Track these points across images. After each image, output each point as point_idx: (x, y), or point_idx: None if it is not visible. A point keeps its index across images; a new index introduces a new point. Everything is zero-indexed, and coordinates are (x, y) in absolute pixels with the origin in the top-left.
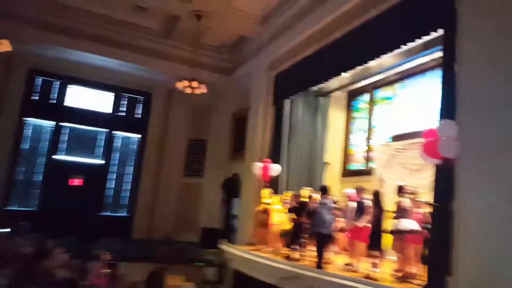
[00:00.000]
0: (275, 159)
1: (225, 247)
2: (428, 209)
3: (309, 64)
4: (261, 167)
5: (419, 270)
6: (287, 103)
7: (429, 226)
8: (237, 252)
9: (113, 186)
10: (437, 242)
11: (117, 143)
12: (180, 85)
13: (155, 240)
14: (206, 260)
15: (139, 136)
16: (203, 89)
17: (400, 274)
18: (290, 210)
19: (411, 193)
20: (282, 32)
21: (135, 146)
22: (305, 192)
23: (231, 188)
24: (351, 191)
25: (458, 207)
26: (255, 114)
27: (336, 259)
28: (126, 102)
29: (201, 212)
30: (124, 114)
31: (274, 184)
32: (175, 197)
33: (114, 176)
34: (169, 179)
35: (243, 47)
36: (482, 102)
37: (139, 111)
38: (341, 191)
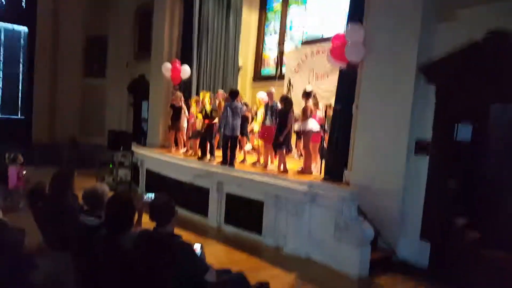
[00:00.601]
0: (186, 60)
1: (136, 149)
2: (328, 111)
3: None
4: (170, 68)
5: (319, 165)
6: None
7: (326, 126)
8: (150, 153)
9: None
10: (338, 140)
11: None
12: None
13: (59, 144)
14: (117, 162)
15: (25, 28)
16: None
17: (302, 169)
18: (204, 114)
19: (314, 97)
20: None
21: (22, 41)
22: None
23: (139, 90)
24: (263, 95)
25: (358, 109)
26: (161, 9)
27: (247, 158)
28: None
29: (108, 115)
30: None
31: (185, 86)
32: (77, 99)
33: (0, 75)
34: (68, 80)
35: None
36: (390, 8)
37: None
38: (251, 94)
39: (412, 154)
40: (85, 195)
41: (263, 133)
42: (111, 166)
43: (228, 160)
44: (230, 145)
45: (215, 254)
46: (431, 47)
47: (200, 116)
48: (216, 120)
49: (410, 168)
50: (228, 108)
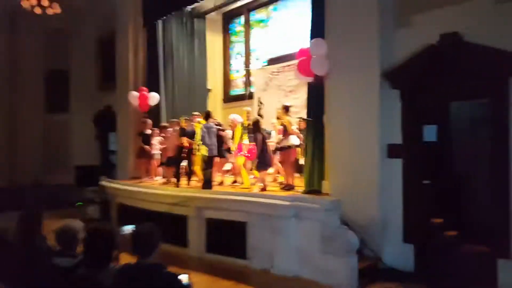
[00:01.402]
0: (153, 87)
1: (107, 183)
2: (301, 125)
3: None
4: (137, 96)
5: (296, 180)
6: (160, 25)
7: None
8: (121, 186)
9: None
10: (314, 152)
11: None
12: (26, 3)
13: (22, 186)
14: (86, 199)
15: None
16: (56, 9)
17: (284, 184)
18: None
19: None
20: None
21: None
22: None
23: (105, 122)
24: (236, 116)
25: (328, 120)
26: (124, 38)
27: (225, 179)
28: None
29: (74, 150)
30: None
31: (155, 114)
32: (39, 136)
33: None
34: (28, 117)
35: None
36: (348, 20)
37: None
38: (223, 116)
39: (385, 158)
40: (58, 234)
41: (247, 152)
42: (80, 204)
43: (206, 182)
44: (207, 166)
45: (200, 285)
46: (391, 53)
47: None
48: (192, 142)
49: (385, 172)
50: (206, 128)
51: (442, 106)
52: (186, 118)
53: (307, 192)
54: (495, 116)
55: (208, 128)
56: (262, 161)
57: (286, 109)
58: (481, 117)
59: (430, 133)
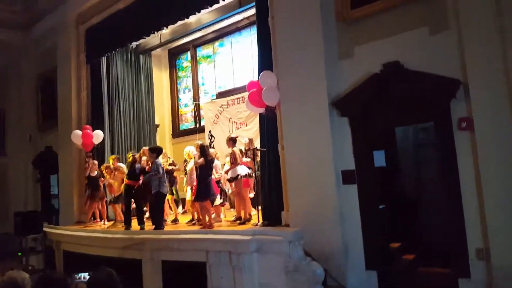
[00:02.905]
0: (98, 125)
1: (49, 229)
2: (254, 156)
3: (125, 17)
4: (80, 135)
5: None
6: (104, 62)
7: (256, 171)
8: (66, 232)
9: None
10: (270, 183)
11: None
12: None
13: None
14: (26, 249)
15: None
16: None
17: (237, 218)
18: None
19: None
20: None
21: None
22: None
23: (46, 164)
24: (192, 148)
25: (283, 150)
26: (66, 76)
27: (180, 218)
28: None
29: (11, 196)
30: None
31: (98, 152)
32: None
33: None
34: None
35: None
36: (295, 53)
37: None
38: (172, 151)
39: (341, 185)
40: None
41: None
42: (20, 254)
43: (155, 220)
44: (155, 204)
45: None
46: (338, 83)
47: (116, 183)
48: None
49: (342, 199)
50: (156, 165)
51: (389, 131)
52: (134, 153)
53: (266, 224)
54: (441, 138)
55: (158, 165)
56: (200, 192)
57: (233, 140)
58: (427, 141)
59: (379, 158)
